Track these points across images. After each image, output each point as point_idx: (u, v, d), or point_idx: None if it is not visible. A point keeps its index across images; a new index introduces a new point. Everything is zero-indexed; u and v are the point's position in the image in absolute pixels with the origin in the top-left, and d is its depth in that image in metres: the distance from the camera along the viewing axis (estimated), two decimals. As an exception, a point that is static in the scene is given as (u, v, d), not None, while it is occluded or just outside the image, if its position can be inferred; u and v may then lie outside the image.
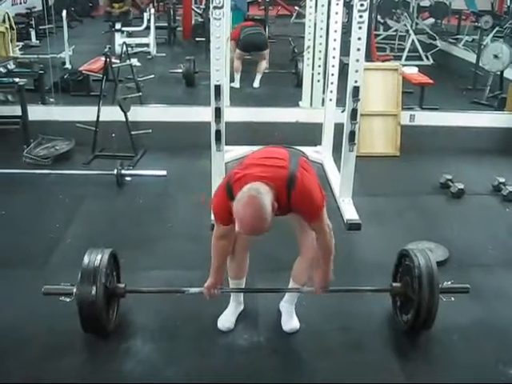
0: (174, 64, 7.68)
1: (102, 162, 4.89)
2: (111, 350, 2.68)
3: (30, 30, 9.09)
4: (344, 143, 3.98)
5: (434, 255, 2.85)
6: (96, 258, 2.66)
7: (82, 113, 5.26)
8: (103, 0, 9.71)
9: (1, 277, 3.20)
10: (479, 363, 2.66)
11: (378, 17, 10.06)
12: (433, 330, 2.76)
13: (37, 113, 5.25)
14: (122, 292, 2.81)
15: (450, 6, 10.42)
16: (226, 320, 2.84)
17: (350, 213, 3.99)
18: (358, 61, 3.78)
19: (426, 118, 5.58)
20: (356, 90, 3.82)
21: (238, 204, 2.14)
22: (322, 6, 5.46)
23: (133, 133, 5.01)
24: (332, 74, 4.75)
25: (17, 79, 5.13)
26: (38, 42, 8.82)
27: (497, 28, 8.58)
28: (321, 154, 5.03)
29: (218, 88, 3.65)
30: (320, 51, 5.58)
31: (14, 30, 7.03)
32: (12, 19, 7.11)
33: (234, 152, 4.71)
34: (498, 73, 6.74)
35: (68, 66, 7.36)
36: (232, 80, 6.81)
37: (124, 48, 6.53)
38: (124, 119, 4.95)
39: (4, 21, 6.73)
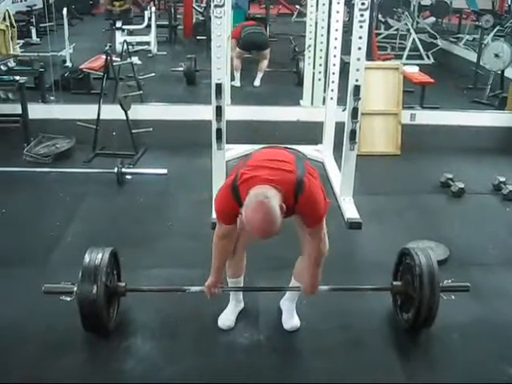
0: (174, 62, 7.66)
1: (102, 161, 4.89)
2: (112, 349, 2.68)
3: (31, 27, 9.09)
4: (345, 142, 3.98)
5: (434, 254, 2.85)
6: (97, 257, 2.66)
7: (83, 111, 5.26)
8: (104, -2, 9.73)
9: (1, 275, 3.20)
10: (479, 361, 2.66)
11: (379, 16, 10.07)
12: (433, 328, 2.76)
13: (37, 111, 5.24)
14: (123, 291, 2.81)
15: (451, 4, 10.44)
16: (227, 318, 2.85)
17: (350, 211, 3.99)
18: (358, 60, 3.78)
19: (427, 117, 5.57)
20: (357, 88, 3.82)
21: (247, 209, 2.15)
22: (323, 4, 5.46)
23: (133, 131, 5.01)
24: (333, 73, 4.75)
25: (17, 77, 5.13)
26: (38, 39, 8.83)
27: (498, 27, 8.56)
28: (322, 152, 5.03)
29: (219, 86, 3.65)
30: (321, 50, 5.58)
31: (14, 27, 7.03)
32: (12, 17, 7.10)
33: (235, 150, 4.71)
34: (499, 72, 6.74)
35: (68, 63, 7.36)
36: (232, 79, 6.81)
37: (125, 46, 6.53)
38: (125, 117, 4.95)
39: (4, 19, 6.72)
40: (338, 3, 4.58)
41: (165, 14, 10.90)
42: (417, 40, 8.71)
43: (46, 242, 3.61)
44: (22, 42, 8.01)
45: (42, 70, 5.84)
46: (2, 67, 5.49)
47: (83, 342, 2.71)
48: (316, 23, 5.71)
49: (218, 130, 3.75)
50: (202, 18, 10.18)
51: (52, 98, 5.80)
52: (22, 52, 7.34)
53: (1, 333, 2.76)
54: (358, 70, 3.80)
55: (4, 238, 3.64)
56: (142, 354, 2.65)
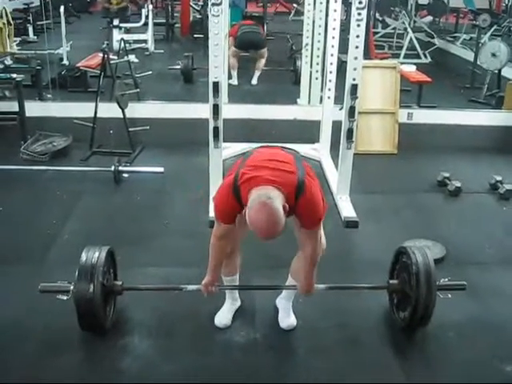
0: (172, 60, 7.66)
1: (99, 159, 4.89)
2: (108, 348, 2.67)
3: (28, 25, 9.07)
4: (342, 141, 3.98)
5: (431, 253, 2.86)
6: (93, 256, 2.66)
7: (80, 109, 5.24)
8: (101, -4, 9.71)
9: (-2, 273, 3.20)
10: (475, 360, 2.67)
11: (377, 14, 10.07)
12: (429, 326, 2.77)
13: (34, 109, 5.23)
14: (120, 289, 2.80)
15: (448, 4, 10.44)
16: (223, 317, 2.85)
17: (347, 210, 3.99)
18: (356, 58, 3.78)
19: (424, 116, 5.58)
20: (354, 87, 3.81)
21: (251, 211, 2.16)
22: (321, 3, 5.46)
23: (130, 129, 5.01)
24: (330, 72, 4.75)
25: (14, 75, 5.12)
26: (35, 37, 8.81)
27: (495, 26, 8.59)
28: (318, 151, 5.03)
29: (216, 85, 3.65)
30: (318, 49, 5.57)
31: (11, 25, 7.04)
32: (9, 14, 7.10)
33: (232, 149, 4.71)
34: (496, 71, 6.75)
35: (65, 61, 7.33)
36: (230, 77, 6.81)
37: (122, 44, 6.52)
38: (122, 116, 4.94)
39: (1, 16, 6.73)
40: (336, 2, 4.57)
41: (162, 12, 10.88)
42: (414, 39, 8.72)
43: (42, 240, 3.61)
44: (18, 39, 8.01)
45: (38, 67, 5.82)
46: (-1, 65, 5.49)
47: (80, 340, 2.70)
48: (313, 22, 5.71)
49: (215, 129, 3.75)
50: (199, 16, 10.18)
51: (49, 95, 5.78)
52: (18, 50, 7.33)
53: (-3, 331, 2.76)
54: (355, 68, 3.80)
55: (0, 236, 3.63)
56: (138, 353, 2.65)
